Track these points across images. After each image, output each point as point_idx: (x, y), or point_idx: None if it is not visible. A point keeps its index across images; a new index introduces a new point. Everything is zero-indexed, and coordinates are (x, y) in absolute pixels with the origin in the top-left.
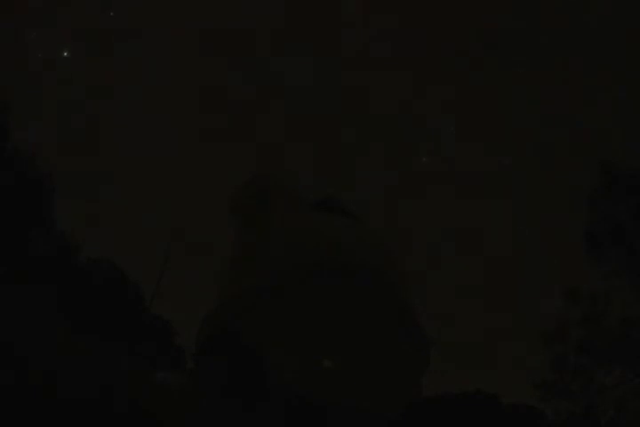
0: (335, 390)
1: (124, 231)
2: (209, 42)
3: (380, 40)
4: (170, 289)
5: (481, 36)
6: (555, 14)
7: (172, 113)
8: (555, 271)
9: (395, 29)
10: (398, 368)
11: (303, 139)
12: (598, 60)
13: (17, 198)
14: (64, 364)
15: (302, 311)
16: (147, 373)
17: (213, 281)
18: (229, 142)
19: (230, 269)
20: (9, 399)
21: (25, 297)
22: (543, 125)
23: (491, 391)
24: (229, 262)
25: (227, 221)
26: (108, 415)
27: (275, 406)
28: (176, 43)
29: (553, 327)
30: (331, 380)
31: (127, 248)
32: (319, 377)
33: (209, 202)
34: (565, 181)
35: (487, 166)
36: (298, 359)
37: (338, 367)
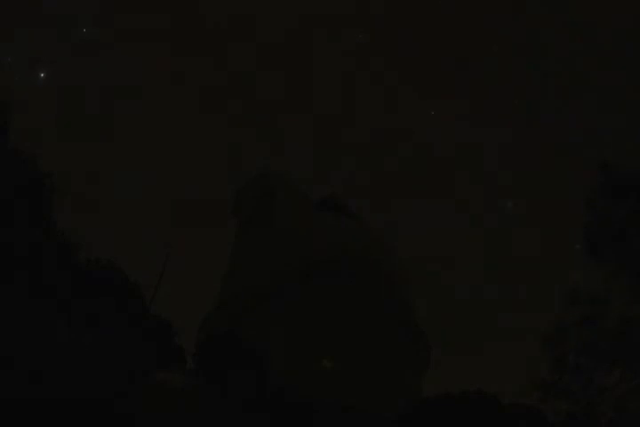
0: (335, 390)
1: (124, 231)
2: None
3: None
4: (170, 289)
5: (480, 34)
6: (554, 14)
7: (172, 113)
8: (555, 272)
9: (389, 27)
10: (398, 369)
11: (303, 138)
12: (598, 60)
13: (17, 198)
14: (64, 364)
15: (302, 311)
16: (147, 373)
17: (213, 281)
18: (230, 142)
19: (231, 268)
20: (9, 399)
21: (25, 297)
22: (543, 125)
23: (491, 391)
24: (230, 262)
25: (227, 221)
26: (109, 415)
27: (274, 407)
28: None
29: (553, 327)
30: (331, 380)
31: (127, 248)
32: (319, 377)
33: (209, 202)
34: (565, 180)
35: (487, 167)
36: (298, 359)
37: (337, 367)
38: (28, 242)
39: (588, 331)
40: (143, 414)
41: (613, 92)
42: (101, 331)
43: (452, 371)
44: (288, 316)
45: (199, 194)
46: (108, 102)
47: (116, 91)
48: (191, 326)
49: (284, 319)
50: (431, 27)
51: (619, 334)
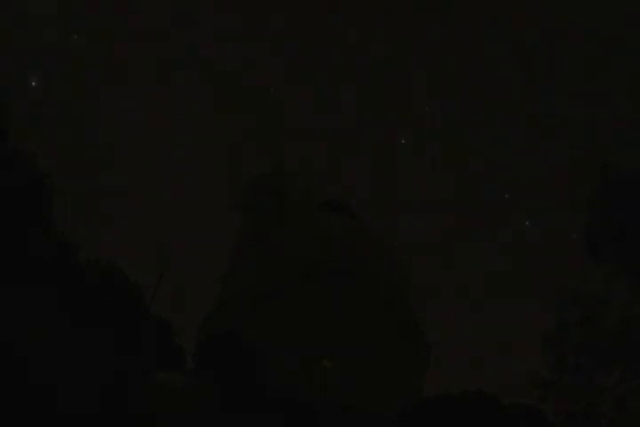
0: (335, 390)
1: (124, 231)
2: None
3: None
4: (170, 289)
5: (480, 32)
6: (555, 13)
7: (170, 113)
8: (555, 272)
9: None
10: (398, 368)
11: (303, 138)
12: (598, 60)
13: (17, 198)
14: (64, 364)
15: (302, 312)
16: (147, 373)
17: (214, 281)
18: (229, 142)
19: (231, 268)
20: (9, 399)
21: (25, 297)
22: (543, 125)
23: (491, 391)
24: (230, 262)
25: (227, 220)
26: (109, 415)
27: (274, 407)
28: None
29: (553, 327)
30: (331, 380)
31: (127, 248)
32: (319, 377)
33: (209, 202)
34: (565, 180)
35: (487, 167)
36: (298, 359)
37: (337, 367)
38: (28, 242)
39: (588, 331)
40: (143, 414)
41: (613, 92)
42: (101, 331)
43: (451, 371)
44: (288, 316)
45: (199, 193)
46: (107, 103)
47: (115, 90)
48: (191, 326)
49: (284, 319)
50: (429, 27)
51: (619, 334)
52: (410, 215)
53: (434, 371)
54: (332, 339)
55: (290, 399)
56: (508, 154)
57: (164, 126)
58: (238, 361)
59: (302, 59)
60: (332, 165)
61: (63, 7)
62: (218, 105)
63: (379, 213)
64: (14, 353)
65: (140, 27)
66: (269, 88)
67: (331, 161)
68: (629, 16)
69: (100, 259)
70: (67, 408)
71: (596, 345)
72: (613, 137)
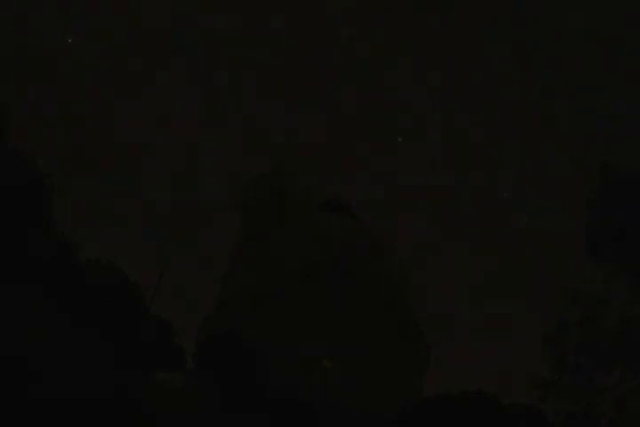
0: (335, 390)
1: (124, 231)
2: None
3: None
4: (170, 289)
5: (480, 32)
6: (554, 13)
7: (170, 112)
8: (555, 272)
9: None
10: (398, 369)
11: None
12: (598, 60)
13: (17, 198)
14: (64, 364)
15: (302, 312)
16: (147, 373)
17: (214, 281)
18: (229, 141)
19: (231, 268)
20: (9, 399)
21: (25, 297)
22: (543, 124)
23: (491, 391)
24: (230, 262)
25: (227, 220)
26: (109, 415)
27: (274, 407)
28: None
29: (553, 327)
30: (330, 380)
31: (127, 248)
32: (319, 377)
33: (209, 202)
34: (566, 180)
35: (488, 167)
36: (298, 359)
37: (338, 367)
38: (28, 242)
39: (588, 331)
40: (143, 414)
41: (613, 92)
42: (101, 331)
43: (451, 371)
44: (288, 316)
45: (199, 193)
46: (107, 102)
47: (115, 91)
48: (191, 326)
49: (284, 319)
50: (429, 27)
51: (619, 334)
52: (410, 215)
53: (434, 371)
54: (332, 339)
55: (290, 399)
56: (508, 154)
57: (164, 126)
58: (238, 361)
59: (302, 59)
60: (331, 165)
61: (63, 7)
62: (217, 105)
63: (379, 213)
64: (14, 353)
65: (141, 27)
66: (270, 88)
67: (330, 161)
68: (629, 16)
69: (100, 259)
70: (67, 408)
71: (596, 345)
72: (613, 137)
